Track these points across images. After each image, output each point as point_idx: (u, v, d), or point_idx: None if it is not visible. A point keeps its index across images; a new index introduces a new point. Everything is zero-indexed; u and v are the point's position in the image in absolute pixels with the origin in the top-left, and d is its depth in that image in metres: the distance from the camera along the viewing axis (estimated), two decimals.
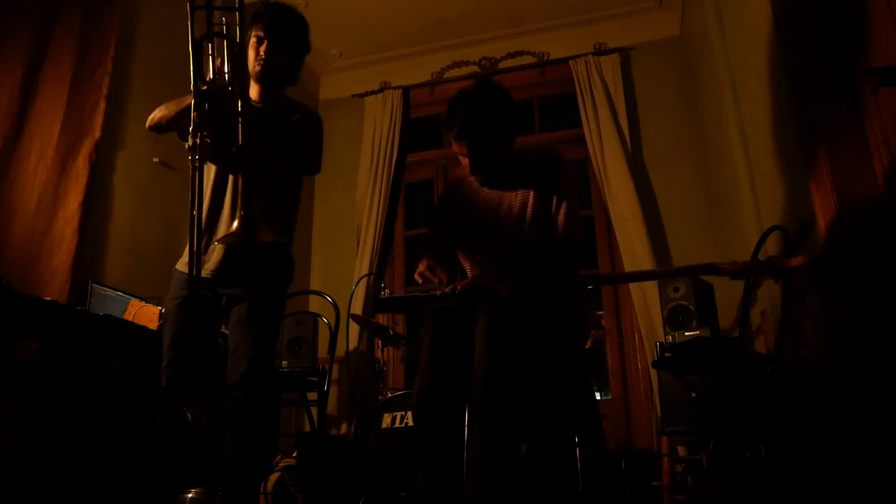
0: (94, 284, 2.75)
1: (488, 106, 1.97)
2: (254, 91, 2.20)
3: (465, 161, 2.05)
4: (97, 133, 2.85)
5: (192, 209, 1.70)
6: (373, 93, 4.81)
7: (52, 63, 2.85)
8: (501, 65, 4.71)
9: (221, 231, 2.06)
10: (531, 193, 2.04)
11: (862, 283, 1.79)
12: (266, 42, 2.11)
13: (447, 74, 4.79)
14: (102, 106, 2.92)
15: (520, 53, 4.68)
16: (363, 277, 4.14)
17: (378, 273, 4.30)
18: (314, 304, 4.26)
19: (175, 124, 2.02)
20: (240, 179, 1.76)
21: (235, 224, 1.71)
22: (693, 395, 2.62)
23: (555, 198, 2.02)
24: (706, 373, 2.62)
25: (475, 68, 4.75)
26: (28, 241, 2.64)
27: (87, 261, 2.82)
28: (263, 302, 2.09)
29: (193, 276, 1.71)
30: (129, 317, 2.72)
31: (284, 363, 3.36)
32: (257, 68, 2.13)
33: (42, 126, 2.76)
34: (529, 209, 2.03)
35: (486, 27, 4.62)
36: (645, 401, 3.83)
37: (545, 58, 4.61)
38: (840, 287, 1.90)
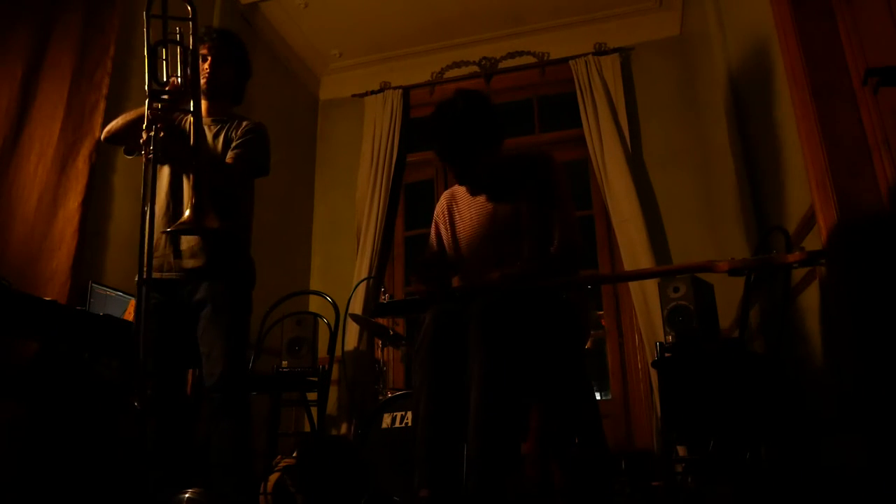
0: (94, 284, 2.75)
1: (468, 117, 1.96)
2: (202, 106, 2.32)
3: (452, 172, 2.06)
4: (97, 133, 2.85)
5: (144, 204, 1.80)
6: (373, 93, 4.80)
7: (52, 63, 2.85)
8: (501, 65, 4.71)
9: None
10: (523, 202, 2.03)
11: (862, 283, 1.79)
12: (210, 58, 2.31)
13: (447, 74, 4.79)
14: (102, 106, 2.92)
15: (520, 53, 4.68)
16: (362, 281, 4.14)
17: (378, 275, 4.30)
18: (314, 304, 4.26)
19: (127, 132, 2.17)
20: (192, 176, 1.93)
21: (187, 213, 1.86)
22: (693, 395, 2.62)
23: (548, 203, 2.02)
24: (706, 373, 2.61)
25: (475, 68, 4.75)
26: (28, 241, 2.63)
27: (87, 261, 2.81)
28: (229, 302, 2.16)
29: (145, 275, 1.80)
30: (129, 317, 2.72)
31: (284, 363, 3.36)
32: (203, 81, 2.28)
33: (42, 126, 2.76)
34: (523, 218, 2.02)
35: (486, 27, 4.61)
36: (645, 401, 3.83)
37: (545, 58, 4.61)
38: (840, 287, 1.90)
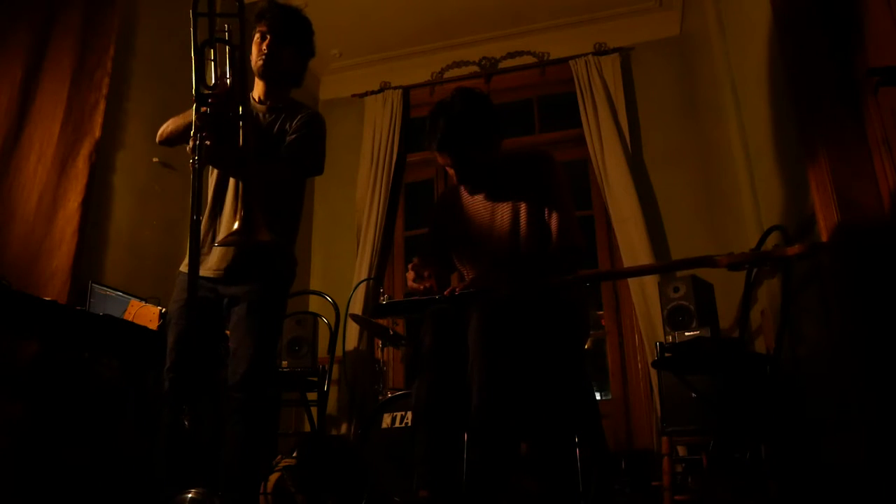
0: (94, 284, 2.75)
1: (467, 116, 1.95)
2: (258, 88, 2.24)
3: (451, 172, 2.05)
4: (97, 133, 2.85)
5: (192, 212, 1.71)
6: (373, 93, 4.81)
7: (52, 63, 2.85)
8: (501, 65, 4.71)
9: (222, 232, 2.07)
10: (523, 201, 2.03)
11: (862, 283, 1.79)
12: (269, 37, 2.15)
13: (447, 74, 4.79)
14: (102, 106, 2.92)
15: (520, 53, 4.68)
16: (362, 282, 4.13)
17: (377, 275, 4.30)
18: (314, 304, 4.26)
19: (183, 137, 2.03)
20: (239, 182, 1.79)
21: (236, 225, 1.74)
22: (693, 395, 2.62)
23: (547, 202, 2.01)
24: (706, 373, 2.62)
25: (475, 68, 4.75)
26: (28, 241, 2.63)
27: (87, 261, 2.81)
28: (264, 301, 2.09)
29: (194, 278, 1.71)
30: (129, 317, 2.72)
31: (284, 363, 3.36)
32: (259, 63, 2.17)
33: (42, 126, 2.76)
34: (522, 218, 2.01)
35: (486, 27, 4.61)
36: (645, 401, 3.83)
37: (545, 58, 4.61)
38: (840, 286, 1.90)
